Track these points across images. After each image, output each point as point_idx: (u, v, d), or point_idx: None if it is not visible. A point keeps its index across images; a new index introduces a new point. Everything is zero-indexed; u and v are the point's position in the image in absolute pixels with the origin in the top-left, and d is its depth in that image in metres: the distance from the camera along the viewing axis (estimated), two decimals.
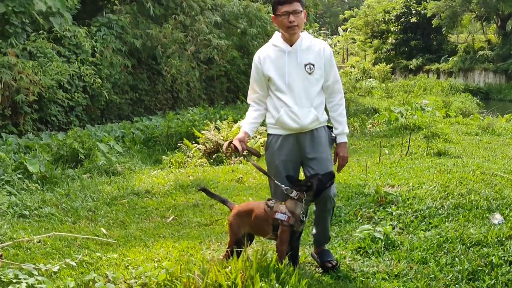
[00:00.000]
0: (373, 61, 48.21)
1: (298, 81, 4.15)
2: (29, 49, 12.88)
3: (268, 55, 4.23)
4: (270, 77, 4.20)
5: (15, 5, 12.48)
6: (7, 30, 12.51)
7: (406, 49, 47.20)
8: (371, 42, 51.94)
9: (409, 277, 4.46)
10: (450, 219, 5.68)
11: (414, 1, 46.01)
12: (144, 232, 6.11)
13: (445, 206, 5.99)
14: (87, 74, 14.03)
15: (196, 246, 5.31)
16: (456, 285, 4.30)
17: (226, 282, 3.67)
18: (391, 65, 41.67)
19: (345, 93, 18.25)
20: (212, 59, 17.80)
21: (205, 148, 10.86)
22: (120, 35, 15.92)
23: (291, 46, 4.19)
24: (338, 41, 59.08)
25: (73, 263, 4.84)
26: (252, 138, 10.76)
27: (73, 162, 9.82)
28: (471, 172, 7.36)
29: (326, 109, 4.33)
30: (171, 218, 6.62)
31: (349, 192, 6.78)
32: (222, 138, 10.74)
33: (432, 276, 4.43)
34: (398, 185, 6.96)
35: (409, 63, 45.07)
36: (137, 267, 4.55)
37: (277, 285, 3.74)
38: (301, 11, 4.11)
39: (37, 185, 8.20)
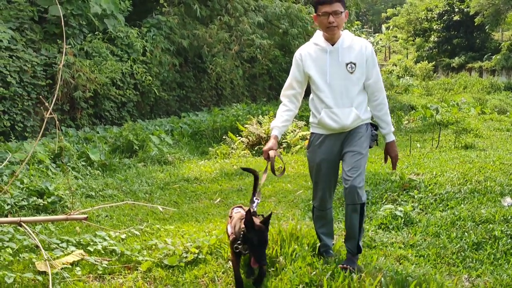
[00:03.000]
0: (415, 59, 48.21)
1: (339, 80, 4.15)
2: (85, 49, 13.62)
3: (310, 53, 4.24)
4: (310, 76, 4.22)
5: (73, 8, 13.42)
6: (66, 32, 13.45)
7: (449, 47, 46.93)
8: (413, 40, 51.79)
9: (422, 247, 5.21)
10: (465, 201, 6.38)
11: None
12: (195, 211, 6.97)
13: (462, 191, 6.69)
14: (138, 72, 14.80)
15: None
16: (462, 253, 5.04)
17: None
18: (433, 63, 41.71)
19: None
20: (255, 58, 18.32)
21: (248, 140, 11.68)
22: (168, 35, 16.58)
23: (332, 45, 4.18)
24: (381, 39, 59.16)
25: (137, 232, 5.75)
26: (291, 132, 11.56)
27: (129, 152, 10.78)
28: (491, 163, 8.02)
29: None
30: (218, 200, 7.48)
31: (377, 179, 7.51)
32: (263, 131, 11.53)
33: (442, 245, 5.17)
34: (423, 173, 7.65)
35: (452, 61, 44.87)
36: (191, 236, 5.41)
37: (306, 247, 4.58)
38: (342, 12, 4.07)
39: (98, 171, 9.17)
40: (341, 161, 4.32)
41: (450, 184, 6.95)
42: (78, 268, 4.73)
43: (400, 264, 4.74)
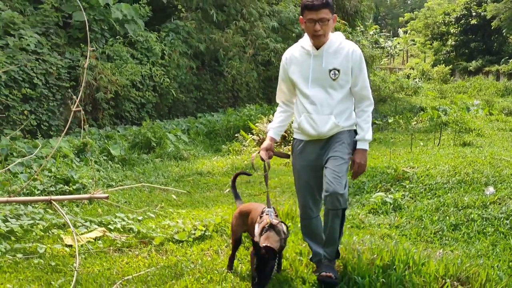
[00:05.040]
0: (432, 62, 48.47)
1: (321, 86, 4.01)
2: (107, 53, 14.21)
3: (295, 57, 4.12)
4: (293, 80, 4.11)
5: (96, 14, 14.09)
6: (89, 36, 14.05)
7: (466, 50, 47.07)
8: (431, 44, 52.05)
9: (405, 228, 5.83)
10: (452, 191, 6.98)
11: (475, 3, 46.01)
12: (205, 199, 7.64)
13: (450, 181, 7.29)
14: (157, 75, 15.31)
15: None
16: (440, 233, 5.65)
17: None
18: (450, 66, 42.01)
19: (392, 93, 19.45)
20: (269, 61, 18.70)
21: (258, 138, 12.32)
22: (186, 39, 17.12)
23: (317, 49, 4.01)
24: (398, 43, 59.49)
25: (152, 215, 6.45)
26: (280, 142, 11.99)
27: (147, 148, 11.50)
28: (483, 157, 8.60)
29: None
30: (227, 190, 8.13)
31: (375, 172, 8.12)
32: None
33: (423, 227, 5.79)
34: (418, 167, 8.25)
35: (469, 64, 45.00)
36: (200, 217, 6.09)
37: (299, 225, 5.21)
38: (329, 19, 3.89)
39: (118, 165, 9.88)
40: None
41: (440, 175, 7.55)
42: (100, 242, 5.45)
43: (383, 241, 5.35)
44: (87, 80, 13.03)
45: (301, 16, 4.01)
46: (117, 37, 14.73)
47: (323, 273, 4.02)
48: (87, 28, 6.63)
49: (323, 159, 4.09)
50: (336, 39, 4.06)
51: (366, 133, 4.10)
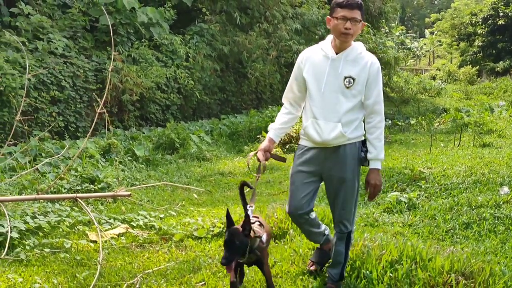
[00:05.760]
0: (459, 63, 48.09)
1: (333, 92, 3.90)
2: (133, 55, 14.49)
3: (312, 57, 4.01)
4: (307, 81, 4.00)
5: (122, 17, 14.39)
6: (115, 39, 14.41)
7: (494, 51, 46.48)
8: (457, 45, 51.60)
9: (418, 226, 5.97)
10: (467, 191, 7.10)
11: (502, 3, 45.54)
12: (226, 198, 7.86)
13: (466, 181, 7.41)
14: (181, 77, 15.52)
15: (265, 207, 6.98)
16: (452, 231, 5.78)
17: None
18: (477, 67, 41.69)
19: (415, 94, 19.39)
20: (292, 63, 18.55)
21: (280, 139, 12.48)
22: (210, 42, 17.33)
23: (337, 53, 3.92)
24: (425, 44, 59.15)
25: (173, 213, 6.69)
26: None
27: (170, 149, 11.77)
28: (500, 158, 8.68)
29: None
30: (247, 190, 8.33)
31: (392, 172, 8.27)
32: (294, 131, 12.31)
33: (435, 225, 5.93)
34: (435, 167, 8.38)
35: (496, 65, 44.54)
36: (219, 215, 6.31)
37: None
38: (360, 20, 3.83)
39: (142, 165, 10.16)
40: (325, 181, 4.11)
41: (456, 176, 7.68)
42: (123, 238, 5.73)
43: (395, 238, 5.51)
44: (113, 82, 13.27)
45: (328, 17, 3.92)
46: (143, 40, 15.00)
47: None
48: (112, 32, 6.86)
49: (325, 170, 4.02)
50: (357, 48, 3.96)
51: (380, 152, 3.98)
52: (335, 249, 4.15)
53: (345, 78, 3.86)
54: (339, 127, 3.86)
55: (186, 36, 16.98)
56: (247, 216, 3.74)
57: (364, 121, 4.03)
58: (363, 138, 4.03)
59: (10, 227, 5.33)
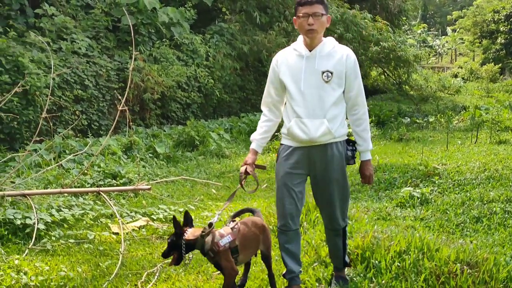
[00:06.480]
0: (481, 61, 47.75)
1: (313, 89, 3.85)
2: (154, 55, 14.76)
3: (287, 59, 3.98)
4: (284, 83, 3.94)
5: (143, 17, 14.67)
6: (137, 39, 14.65)
7: None
8: (479, 43, 51.23)
9: (430, 220, 6.13)
10: (480, 186, 7.23)
11: None
12: (243, 193, 8.05)
13: (479, 177, 7.53)
14: (201, 76, 15.77)
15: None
16: (462, 224, 5.93)
17: None
18: (500, 65, 41.39)
19: (434, 92, 19.38)
20: None
21: None
22: (230, 41, 17.58)
23: (310, 51, 3.90)
24: (447, 42, 58.79)
25: (192, 207, 6.93)
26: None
27: (190, 146, 12.02)
28: None
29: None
30: (264, 185, 8.55)
31: (407, 168, 8.42)
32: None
33: (446, 219, 6.08)
34: (449, 164, 8.51)
35: None
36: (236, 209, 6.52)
37: None
38: (323, 15, 3.81)
39: (163, 162, 10.43)
40: (312, 181, 4.08)
41: (470, 172, 7.81)
42: (143, 230, 5.98)
43: (406, 231, 5.68)
44: (135, 81, 13.50)
45: (294, 17, 3.92)
46: (164, 39, 15.28)
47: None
48: (134, 32, 7.07)
49: (312, 170, 3.98)
50: (329, 43, 3.94)
51: (368, 144, 4.01)
52: (333, 244, 4.21)
53: (323, 72, 3.83)
54: (325, 123, 3.81)
55: (206, 35, 17.23)
56: (174, 218, 3.95)
57: (347, 115, 4.01)
58: (346, 137, 4.02)
59: (37, 219, 5.60)
